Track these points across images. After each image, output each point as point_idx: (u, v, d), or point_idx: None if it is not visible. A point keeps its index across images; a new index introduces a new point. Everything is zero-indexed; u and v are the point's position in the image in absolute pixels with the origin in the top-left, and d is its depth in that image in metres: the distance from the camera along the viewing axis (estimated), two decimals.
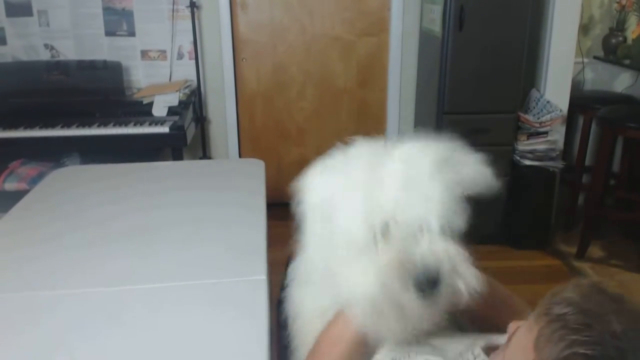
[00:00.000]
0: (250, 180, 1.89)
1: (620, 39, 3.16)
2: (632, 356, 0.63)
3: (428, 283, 0.82)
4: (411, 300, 0.83)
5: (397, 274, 0.83)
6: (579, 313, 0.65)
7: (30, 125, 2.68)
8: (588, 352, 0.62)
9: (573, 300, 0.67)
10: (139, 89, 3.10)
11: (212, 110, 3.32)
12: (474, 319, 1.00)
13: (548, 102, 2.86)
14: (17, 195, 1.82)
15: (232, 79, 3.27)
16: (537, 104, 2.90)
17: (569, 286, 0.70)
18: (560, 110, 2.83)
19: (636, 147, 3.20)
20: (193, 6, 3.01)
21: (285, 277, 1.25)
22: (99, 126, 2.70)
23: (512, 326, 0.77)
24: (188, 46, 3.14)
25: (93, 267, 1.33)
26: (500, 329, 0.92)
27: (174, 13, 3.08)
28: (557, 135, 2.87)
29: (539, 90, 2.95)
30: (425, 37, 3.13)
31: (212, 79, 3.25)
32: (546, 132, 2.82)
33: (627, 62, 3.06)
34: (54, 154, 2.93)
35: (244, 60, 3.29)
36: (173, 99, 2.85)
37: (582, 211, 3.19)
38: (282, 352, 1.34)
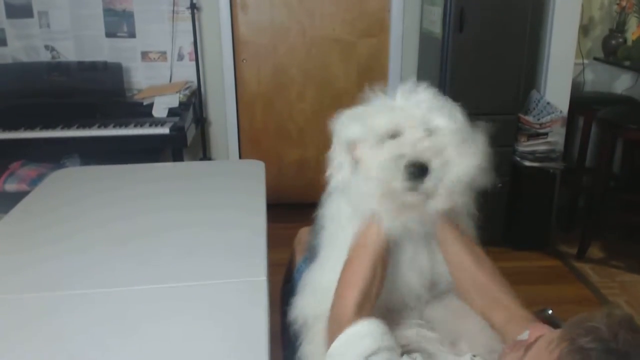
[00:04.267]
0: (250, 181, 1.89)
1: (620, 40, 3.16)
2: None
3: (415, 171, 1.00)
4: (402, 188, 1.01)
5: (391, 164, 1.02)
6: (603, 352, 0.64)
7: (30, 127, 2.68)
8: None
9: (600, 336, 0.65)
10: (140, 90, 3.10)
11: (213, 111, 3.32)
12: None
13: (548, 103, 2.86)
14: (18, 197, 1.82)
15: (232, 80, 3.27)
16: (537, 105, 2.91)
17: (600, 314, 0.68)
18: (561, 112, 2.83)
19: (636, 148, 3.20)
20: (193, 7, 3.02)
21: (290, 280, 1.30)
22: (99, 127, 2.71)
23: (532, 332, 0.75)
24: (188, 47, 3.15)
25: (94, 269, 1.33)
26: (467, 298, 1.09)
27: (174, 14, 3.09)
28: (558, 137, 2.87)
29: (539, 92, 2.95)
30: (425, 38, 3.13)
31: (212, 80, 3.25)
32: (546, 134, 2.82)
33: (627, 63, 3.06)
34: (54, 155, 2.93)
35: (244, 61, 3.29)
36: (173, 100, 2.85)
37: (583, 212, 3.20)
38: (286, 352, 1.35)
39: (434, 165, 1.02)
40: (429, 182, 1.01)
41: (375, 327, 0.97)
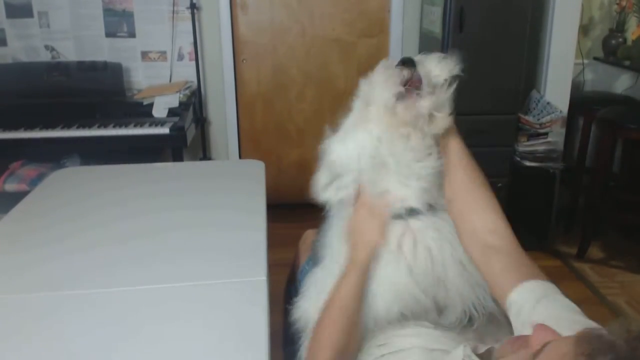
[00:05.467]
0: (250, 181, 1.89)
1: (620, 40, 3.16)
2: None
3: (407, 61, 1.12)
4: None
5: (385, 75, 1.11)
6: None
7: (30, 126, 2.68)
8: None
9: (620, 353, 0.61)
10: (140, 90, 3.10)
11: (213, 111, 3.32)
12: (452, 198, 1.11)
13: (548, 103, 2.86)
14: (18, 196, 1.82)
15: (232, 80, 3.27)
16: (537, 105, 2.91)
17: (618, 328, 0.64)
18: (561, 112, 2.83)
19: (636, 148, 3.20)
20: (193, 7, 3.02)
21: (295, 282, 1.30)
22: (99, 127, 2.71)
23: (537, 334, 0.72)
24: (188, 47, 3.15)
25: (94, 269, 1.33)
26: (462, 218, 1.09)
27: (174, 14, 3.09)
28: (557, 137, 2.87)
29: (539, 92, 2.95)
30: (425, 38, 3.13)
31: (212, 80, 3.25)
32: (546, 133, 2.82)
33: (627, 63, 3.06)
34: (54, 154, 2.93)
35: (244, 61, 3.29)
36: (173, 100, 2.85)
37: (582, 212, 3.20)
38: (287, 352, 1.35)
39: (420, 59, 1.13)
40: (425, 89, 1.10)
41: None
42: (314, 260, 1.33)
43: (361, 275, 1.09)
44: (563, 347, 0.64)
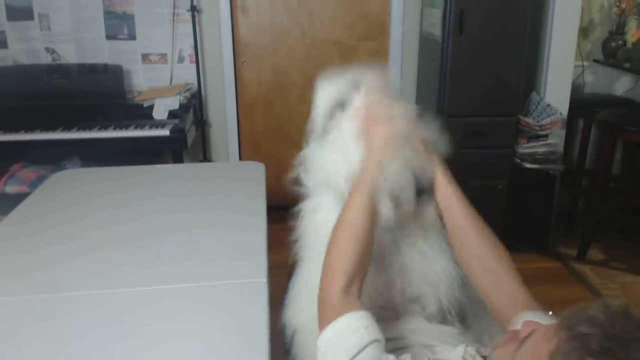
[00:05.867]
0: (250, 183, 1.89)
1: (620, 42, 3.16)
2: None
3: None
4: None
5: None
6: (602, 336, 0.64)
7: (31, 129, 2.69)
8: None
9: (598, 322, 0.65)
10: (140, 92, 3.10)
11: (213, 113, 3.32)
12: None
13: (548, 105, 2.86)
14: (18, 198, 1.82)
15: (232, 82, 3.27)
16: (537, 107, 2.91)
17: (596, 305, 0.68)
18: (560, 114, 2.83)
19: (636, 150, 3.20)
20: (194, 10, 3.02)
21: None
22: (99, 129, 2.71)
23: (525, 326, 0.75)
24: (189, 49, 3.15)
25: (94, 270, 1.33)
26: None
27: (175, 17, 3.09)
28: (557, 139, 2.87)
29: (539, 94, 2.95)
30: (425, 40, 3.13)
31: (212, 82, 3.26)
32: (546, 135, 2.82)
33: (626, 65, 3.07)
34: (54, 157, 2.93)
35: (245, 63, 3.29)
36: (174, 102, 2.86)
37: (582, 214, 3.20)
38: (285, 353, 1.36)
39: None
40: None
41: (360, 322, 0.93)
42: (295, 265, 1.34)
43: (370, 188, 1.11)
44: (547, 328, 0.69)
